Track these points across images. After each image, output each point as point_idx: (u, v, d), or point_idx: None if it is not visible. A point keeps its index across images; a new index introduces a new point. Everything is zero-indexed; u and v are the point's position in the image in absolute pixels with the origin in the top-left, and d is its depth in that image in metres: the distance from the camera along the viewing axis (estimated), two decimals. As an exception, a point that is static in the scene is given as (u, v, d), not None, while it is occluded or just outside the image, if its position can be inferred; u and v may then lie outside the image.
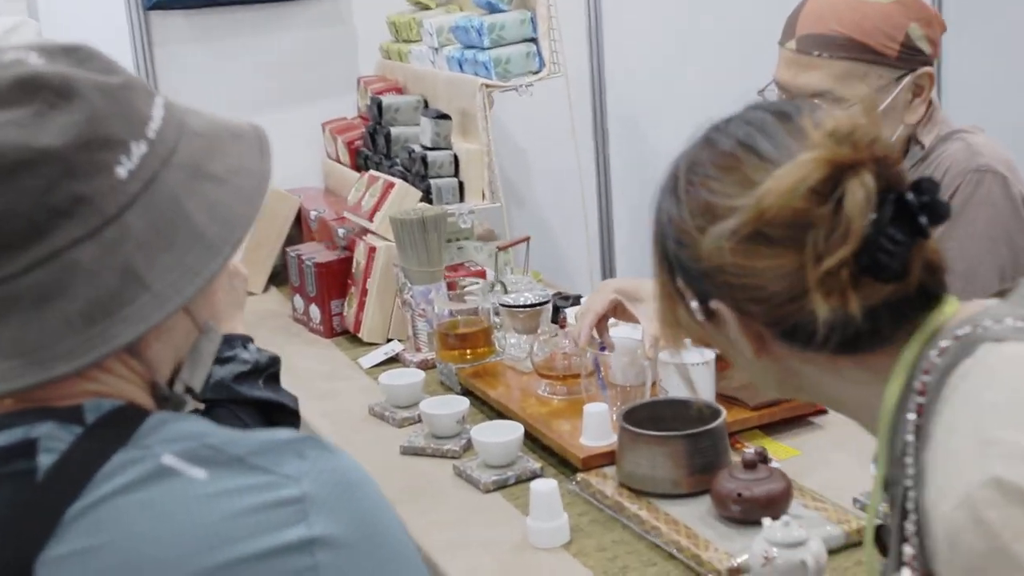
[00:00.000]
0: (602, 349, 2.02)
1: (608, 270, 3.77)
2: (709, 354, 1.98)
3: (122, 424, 0.99)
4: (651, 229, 1.21)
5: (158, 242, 1.00)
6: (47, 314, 0.96)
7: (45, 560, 0.93)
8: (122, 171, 0.98)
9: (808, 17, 2.05)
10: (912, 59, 2.02)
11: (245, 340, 1.64)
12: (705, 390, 1.96)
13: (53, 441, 0.97)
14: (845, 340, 1.09)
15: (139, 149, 1.00)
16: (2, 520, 0.94)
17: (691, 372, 1.96)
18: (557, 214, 3.59)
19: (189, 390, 1.12)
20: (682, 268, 1.15)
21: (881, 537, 1.17)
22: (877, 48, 2.00)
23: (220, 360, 1.55)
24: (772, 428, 1.99)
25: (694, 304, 1.16)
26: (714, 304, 1.13)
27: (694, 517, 1.68)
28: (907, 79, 2.03)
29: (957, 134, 2.08)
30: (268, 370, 1.64)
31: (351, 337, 2.62)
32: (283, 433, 1.04)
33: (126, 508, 0.95)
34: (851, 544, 1.61)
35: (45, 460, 0.96)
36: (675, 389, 1.96)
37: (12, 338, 0.96)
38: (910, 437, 1.08)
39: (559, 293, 2.62)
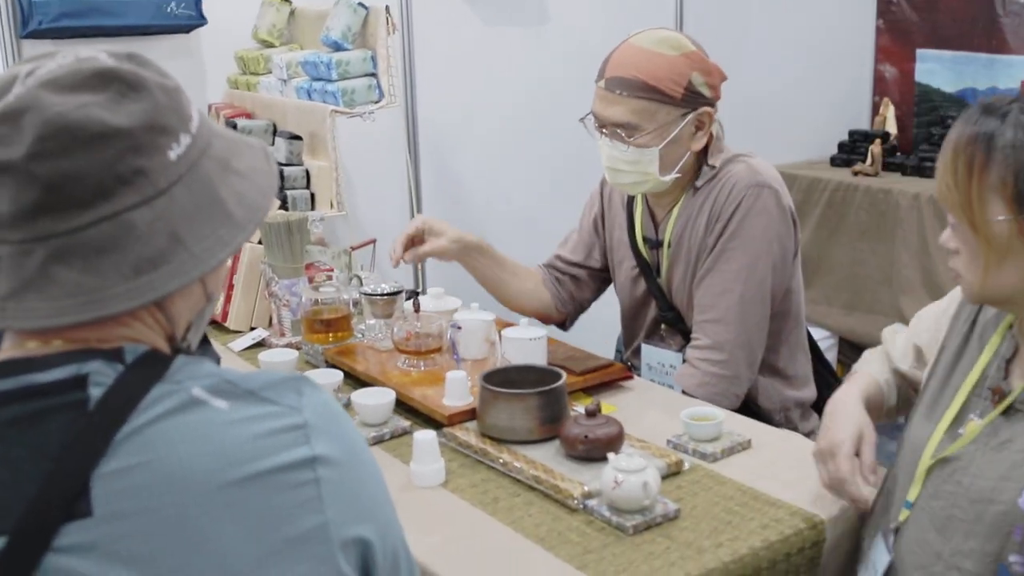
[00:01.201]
0: (458, 328, 2.12)
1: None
2: (541, 331, 2.13)
3: (156, 364, 1.04)
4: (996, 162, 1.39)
5: (197, 215, 1.05)
6: (105, 263, 1.00)
7: (100, 474, 0.97)
8: (173, 154, 1.04)
9: (614, 63, 2.20)
10: (694, 100, 2.20)
11: None
12: (539, 359, 2.09)
13: (101, 376, 1.01)
14: None
15: (185, 139, 1.06)
16: (61, 442, 0.97)
17: (529, 345, 2.09)
18: (372, 221, 3.63)
19: (189, 345, 1.18)
20: None
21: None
22: (665, 91, 2.17)
23: None
24: (593, 389, 2.12)
25: None
26: None
27: (547, 457, 1.78)
28: (690, 116, 2.20)
29: (740, 157, 2.27)
30: None
31: (217, 326, 2.60)
32: (281, 373, 1.10)
33: (166, 431, 0.99)
34: (672, 473, 1.75)
35: (95, 392, 1.00)
36: (517, 359, 2.07)
37: (74, 280, 1.00)
38: None
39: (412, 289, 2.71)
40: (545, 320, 2.54)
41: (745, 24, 4.55)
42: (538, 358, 2.08)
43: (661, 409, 2.03)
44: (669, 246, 2.31)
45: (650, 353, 2.37)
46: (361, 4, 2.82)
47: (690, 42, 2.21)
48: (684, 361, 2.26)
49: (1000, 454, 1.41)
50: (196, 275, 1.06)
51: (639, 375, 2.39)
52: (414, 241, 2.36)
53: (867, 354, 1.86)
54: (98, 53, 1.07)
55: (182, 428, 1.00)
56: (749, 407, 2.28)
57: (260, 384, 1.07)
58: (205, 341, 1.67)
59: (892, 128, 4.74)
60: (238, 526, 0.99)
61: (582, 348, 2.34)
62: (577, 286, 2.54)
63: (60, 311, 1.00)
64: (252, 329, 2.57)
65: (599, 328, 2.83)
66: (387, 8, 2.80)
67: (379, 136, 3.09)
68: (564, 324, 2.60)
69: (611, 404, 2.07)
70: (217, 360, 1.68)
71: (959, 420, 1.50)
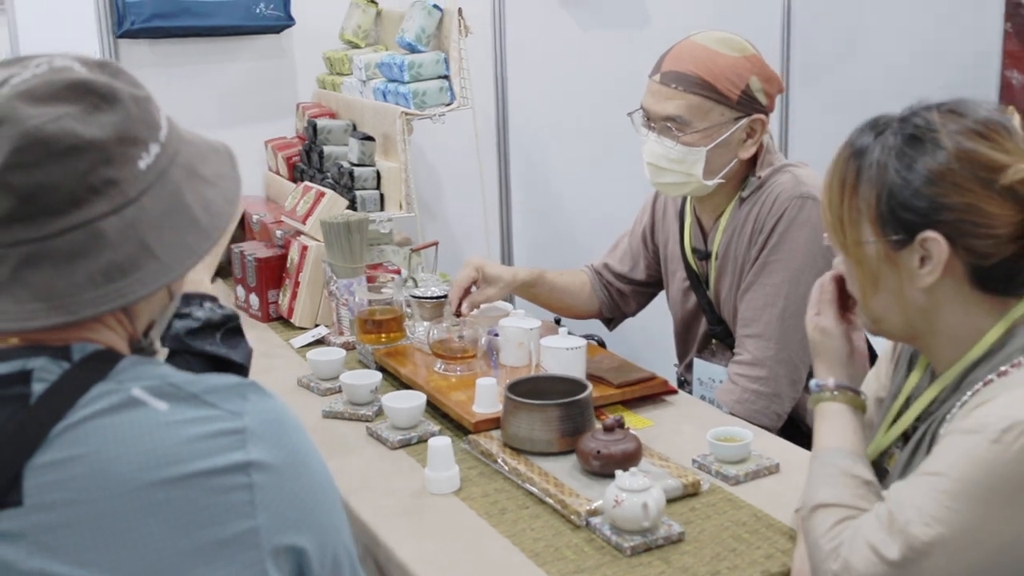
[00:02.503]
0: (495, 335, 2.11)
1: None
2: (580, 341, 2.10)
3: (102, 363, 1.06)
4: (848, 171, 1.36)
5: (166, 223, 1.08)
6: (75, 270, 1.03)
7: (33, 466, 1.00)
8: (142, 164, 1.07)
9: (672, 57, 2.16)
10: (749, 105, 2.14)
11: (203, 299, 1.64)
12: (576, 370, 2.06)
13: (45, 372, 1.04)
14: (1008, 281, 1.31)
15: (155, 149, 1.08)
16: (1, 433, 1.01)
17: (567, 355, 2.06)
18: (462, 224, 3.65)
19: (151, 342, 1.20)
20: (905, 202, 1.30)
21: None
22: (722, 90, 2.11)
23: (178, 315, 1.59)
24: (632, 403, 2.07)
25: (895, 237, 1.32)
26: (927, 235, 1.29)
27: (562, 471, 1.76)
28: (743, 121, 2.14)
29: (786, 167, 2.20)
30: (224, 326, 1.64)
31: (284, 322, 2.66)
32: (231, 378, 1.11)
33: (101, 428, 1.02)
34: (687, 495, 1.70)
35: (38, 388, 1.03)
36: (554, 369, 2.05)
37: (44, 284, 1.03)
38: (992, 376, 1.29)
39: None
40: (601, 319, 2.56)
41: (857, 24, 4.40)
42: (575, 368, 2.05)
43: (698, 427, 1.97)
44: (716, 258, 2.25)
45: (701, 368, 2.31)
46: (436, 6, 2.82)
47: (751, 47, 2.15)
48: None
49: None
50: (164, 282, 1.08)
51: (691, 390, 2.33)
52: (469, 289, 2.32)
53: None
54: (72, 62, 1.09)
55: (117, 426, 1.02)
56: (798, 427, 2.20)
57: (205, 388, 1.08)
58: (238, 332, 1.69)
59: (1018, 138, 4.49)
60: (163, 524, 1.01)
61: (641, 358, 2.31)
62: (622, 298, 2.51)
63: (30, 315, 1.04)
64: (316, 326, 2.61)
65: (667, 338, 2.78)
66: (459, 10, 2.79)
67: (469, 138, 3.09)
68: (610, 324, 2.60)
69: (647, 419, 2.03)
70: (248, 354, 1.70)
71: (886, 454, 1.47)
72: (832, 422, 1.45)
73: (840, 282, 1.49)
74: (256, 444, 1.06)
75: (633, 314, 2.57)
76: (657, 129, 2.16)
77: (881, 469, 1.48)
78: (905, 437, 1.45)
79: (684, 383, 2.42)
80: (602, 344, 2.52)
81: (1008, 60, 4.71)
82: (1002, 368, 1.30)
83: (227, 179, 1.18)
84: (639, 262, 2.49)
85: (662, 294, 2.52)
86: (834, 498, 1.35)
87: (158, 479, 1.01)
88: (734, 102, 2.12)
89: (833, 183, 1.38)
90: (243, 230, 3.05)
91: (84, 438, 1.01)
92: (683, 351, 2.44)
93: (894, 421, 1.47)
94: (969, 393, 1.31)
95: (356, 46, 3.21)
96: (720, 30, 2.21)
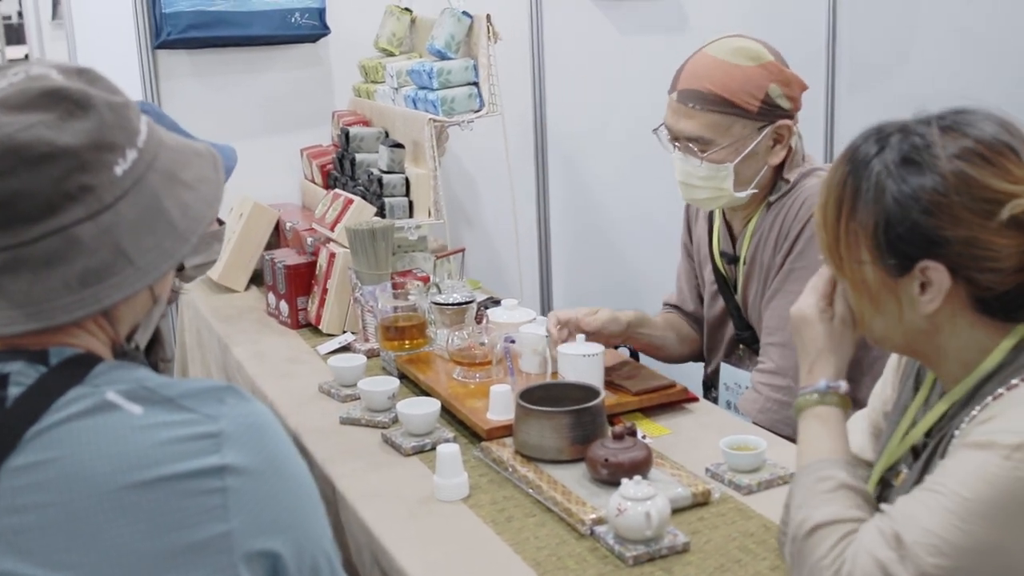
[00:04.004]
0: (510, 342, 2.10)
1: (545, 279, 3.85)
2: (598, 348, 2.08)
3: (79, 367, 1.08)
4: (851, 195, 1.28)
5: (142, 228, 1.09)
6: (51, 275, 1.05)
7: (7, 468, 1.01)
8: (119, 170, 1.08)
9: (688, 74, 2.12)
10: (772, 113, 2.10)
11: None
12: (594, 377, 2.03)
13: (22, 376, 1.06)
14: (1015, 309, 1.24)
15: (131, 154, 1.10)
16: None
17: (583, 362, 2.04)
18: (499, 231, 3.64)
19: (137, 346, 1.21)
20: (903, 235, 1.23)
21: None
22: (740, 104, 2.08)
23: None
24: (650, 411, 2.05)
25: (892, 262, 1.25)
26: (927, 264, 1.23)
27: (571, 479, 1.74)
28: (767, 129, 2.10)
29: (816, 171, 2.16)
30: None
31: (313, 329, 2.67)
32: (210, 382, 1.12)
33: (74, 431, 1.03)
34: (697, 504, 1.68)
35: (14, 391, 1.05)
36: (571, 376, 2.02)
37: (21, 291, 1.05)
38: (1002, 390, 1.23)
39: (491, 297, 2.70)
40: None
41: (908, 25, 4.31)
42: (592, 375, 2.03)
43: (716, 435, 1.94)
44: (744, 263, 2.21)
45: (728, 373, 2.28)
46: (465, 13, 2.83)
47: (768, 51, 2.12)
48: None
49: None
50: (140, 287, 1.10)
51: (717, 395, 2.31)
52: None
53: None
54: (49, 70, 1.11)
55: (90, 429, 1.04)
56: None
57: (181, 392, 1.09)
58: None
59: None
60: (135, 528, 1.02)
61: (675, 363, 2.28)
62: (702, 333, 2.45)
63: (7, 321, 1.06)
64: (343, 333, 2.63)
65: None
66: (488, 16, 2.79)
67: (507, 145, 3.09)
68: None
69: (665, 427, 2.01)
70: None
71: (892, 470, 1.39)
72: (819, 429, 1.38)
73: None
74: (232, 448, 1.06)
75: None
76: (681, 147, 2.14)
77: (887, 484, 1.43)
78: (914, 452, 1.39)
79: (711, 387, 2.38)
80: (634, 355, 2.48)
81: (1065, 61, 4.58)
82: (1013, 381, 1.24)
83: (208, 183, 1.19)
84: (696, 291, 2.44)
85: None
86: (832, 515, 1.26)
87: (130, 482, 1.02)
88: (755, 113, 2.08)
89: (829, 203, 1.31)
90: (277, 237, 3.08)
91: (58, 441, 1.03)
92: (711, 356, 2.41)
93: (903, 437, 1.42)
94: (978, 407, 1.25)
95: (391, 54, 3.23)
96: (735, 35, 2.17)
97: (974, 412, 1.25)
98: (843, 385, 1.39)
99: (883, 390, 1.55)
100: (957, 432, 1.26)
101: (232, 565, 1.05)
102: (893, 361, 1.55)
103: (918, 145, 1.24)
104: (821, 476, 1.32)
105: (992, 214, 1.20)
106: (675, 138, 2.15)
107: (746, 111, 2.07)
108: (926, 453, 1.34)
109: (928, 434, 1.36)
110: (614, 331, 2.18)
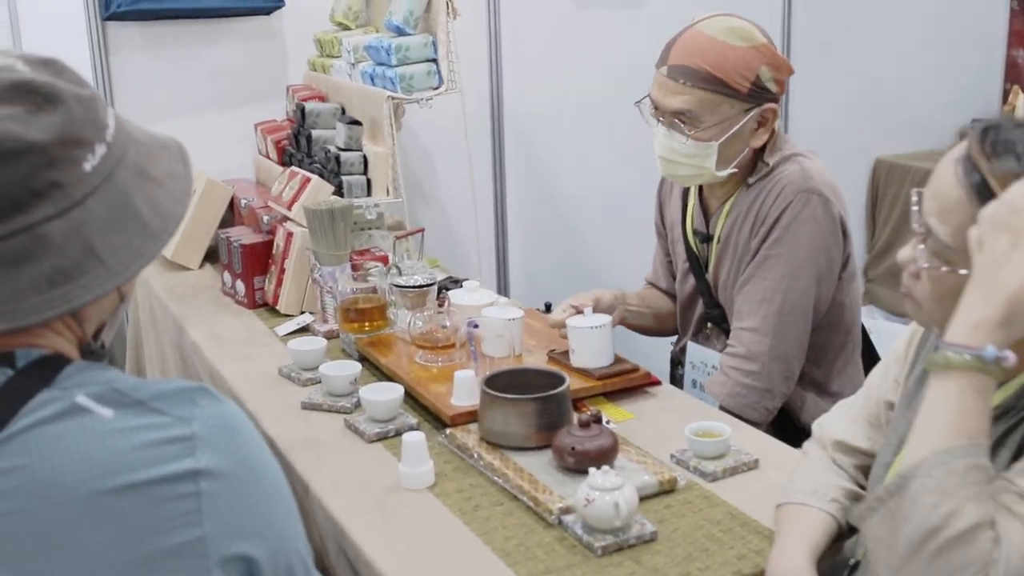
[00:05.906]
0: (474, 326, 2.09)
1: (502, 256, 3.84)
2: (605, 319, 2.07)
3: (47, 369, 1.05)
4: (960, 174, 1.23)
5: (112, 226, 1.06)
6: (19, 275, 1.02)
7: None
8: (88, 166, 1.05)
9: (679, 49, 2.10)
10: (760, 96, 2.09)
11: None
12: (604, 349, 2.03)
13: None
14: None
15: (100, 150, 1.06)
16: None
17: (592, 334, 2.03)
18: (455, 209, 3.62)
19: (103, 344, 1.18)
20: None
21: None
22: (732, 84, 2.07)
23: None
24: (613, 395, 2.05)
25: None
26: None
27: (538, 467, 1.73)
28: (754, 111, 2.10)
29: (796, 157, 2.15)
30: None
31: (270, 309, 2.64)
32: (181, 383, 1.09)
33: (44, 437, 1.00)
34: (663, 491, 1.68)
35: None
36: (580, 348, 2.04)
37: None
38: None
39: (450, 277, 2.69)
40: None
41: (861, 3, 4.34)
42: (602, 347, 2.03)
43: (681, 420, 1.94)
44: (718, 242, 2.22)
45: (695, 352, 2.30)
46: (424, -11, 2.79)
47: (760, 33, 2.11)
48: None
49: None
50: (110, 287, 1.06)
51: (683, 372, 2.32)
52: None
53: (798, 480, 1.58)
54: (15, 61, 1.07)
55: (60, 434, 1.01)
56: (795, 423, 2.18)
57: (152, 394, 1.07)
58: None
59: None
60: (107, 534, 1.00)
61: (644, 341, 2.30)
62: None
63: None
64: (302, 314, 2.60)
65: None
66: (448, -8, 2.77)
67: (463, 122, 3.06)
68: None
69: (630, 412, 2.01)
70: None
71: None
72: (976, 403, 1.18)
73: None
74: (205, 451, 1.04)
75: None
76: (666, 123, 2.13)
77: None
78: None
79: (679, 364, 2.39)
80: None
81: (1014, 39, 4.64)
82: None
83: (177, 178, 1.16)
84: (669, 268, 2.45)
85: None
86: (987, 514, 1.14)
87: (103, 489, 1.00)
88: (744, 94, 2.08)
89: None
90: (233, 215, 3.03)
91: (27, 447, 1.00)
92: (682, 332, 2.42)
93: None
94: None
95: (347, 28, 3.18)
96: (726, 14, 2.15)
97: None
98: (1011, 356, 1.18)
99: (883, 379, 1.55)
100: None
101: (207, 570, 1.03)
102: (897, 350, 1.54)
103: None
104: (973, 464, 1.16)
105: None
106: (660, 112, 2.14)
107: (736, 91, 2.07)
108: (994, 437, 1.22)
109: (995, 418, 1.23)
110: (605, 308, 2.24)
